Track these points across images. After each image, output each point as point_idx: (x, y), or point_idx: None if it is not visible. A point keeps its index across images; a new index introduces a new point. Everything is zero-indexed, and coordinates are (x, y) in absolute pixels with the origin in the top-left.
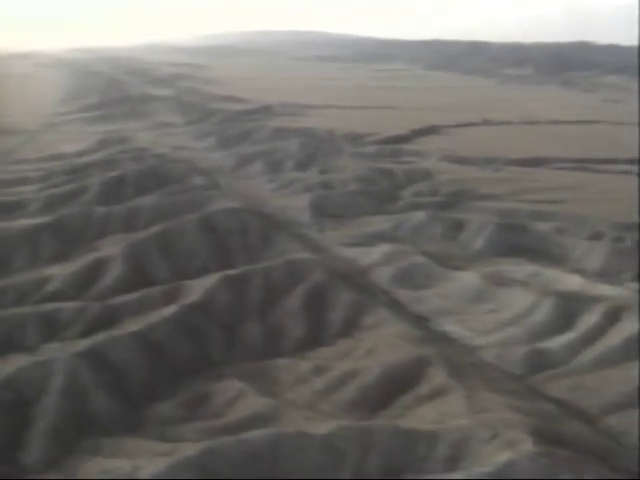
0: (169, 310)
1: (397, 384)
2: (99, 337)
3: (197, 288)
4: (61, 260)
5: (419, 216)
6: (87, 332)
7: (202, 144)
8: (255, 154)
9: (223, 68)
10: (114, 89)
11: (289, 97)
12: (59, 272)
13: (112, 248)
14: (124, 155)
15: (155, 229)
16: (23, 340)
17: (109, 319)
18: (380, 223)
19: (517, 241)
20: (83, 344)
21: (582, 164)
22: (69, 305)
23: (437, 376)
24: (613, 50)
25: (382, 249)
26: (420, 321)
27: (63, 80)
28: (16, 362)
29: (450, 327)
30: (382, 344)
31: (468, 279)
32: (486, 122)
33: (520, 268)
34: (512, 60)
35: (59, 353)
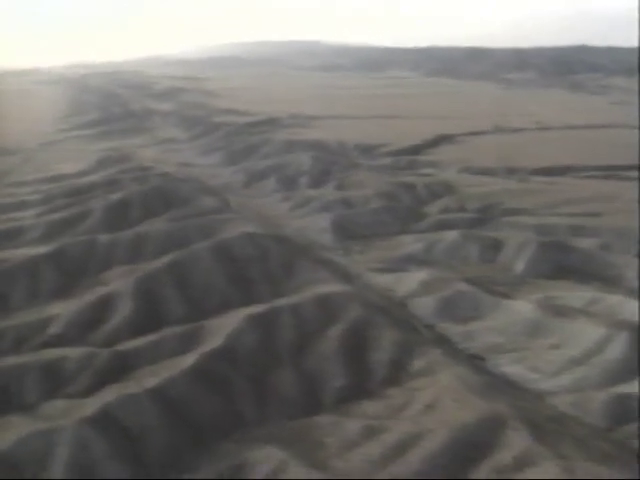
0: (189, 359)
1: (471, 450)
2: (110, 396)
3: (218, 330)
4: (64, 296)
5: (451, 236)
6: (95, 386)
7: (208, 160)
8: (266, 170)
9: (225, 80)
10: (114, 104)
11: (294, 108)
12: (62, 311)
13: (120, 282)
14: (127, 175)
15: (166, 259)
16: (22, 396)
17: (120, 369)
18: (409, 244)
19: (561, 261)
20: (92, 405)
21: (611, 172)
22: (74, 352)
23: (517, 439)
24: (614, 52)
25: (418, 275)
26: (475, 361)
27: (62, 96)
28: (14, 429)
29: (510, 368)
30: (442, 397)
31: (520, 308)
32: (499, 129)
33: (575, 294)
34: (514, 65)
35: (64, 419)
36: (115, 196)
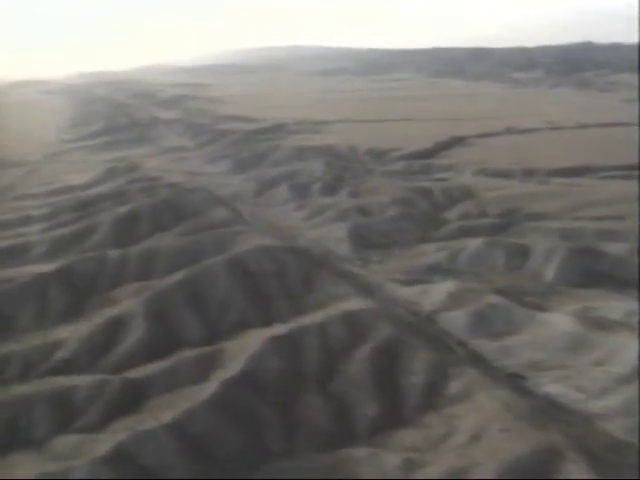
0: (208, 388)
1: None
2: (124, 431)
3: (239, 353)
4: (72, 318)
5: (475, 243)
6: (108, 419)
7: (217, 168)
8: (276, 178)
9: (228, 87)
10: (119, 114)
11: (299, 113)
12: (70, 334)
13: (130, 301)
14: (134, 185)
15: (179, 276)
16: (30, 430)
17: (133, 399)
18: (432, 253)
19: (592, 268)
20: (105, 442)
21: (630, 171)
22: (84, 380)
23: (577, 473)
24: (620, 49)
25: (445, 287)
26: (515, 381)
27: (66, 107)
28: (22, 469)
29: (554, 387)
30: (487, 425)
31: (557, 321)
32: (510, 130)
33: (612, 304)
34: (520, 64)
35: (76, 459)
36: (123, 209)
